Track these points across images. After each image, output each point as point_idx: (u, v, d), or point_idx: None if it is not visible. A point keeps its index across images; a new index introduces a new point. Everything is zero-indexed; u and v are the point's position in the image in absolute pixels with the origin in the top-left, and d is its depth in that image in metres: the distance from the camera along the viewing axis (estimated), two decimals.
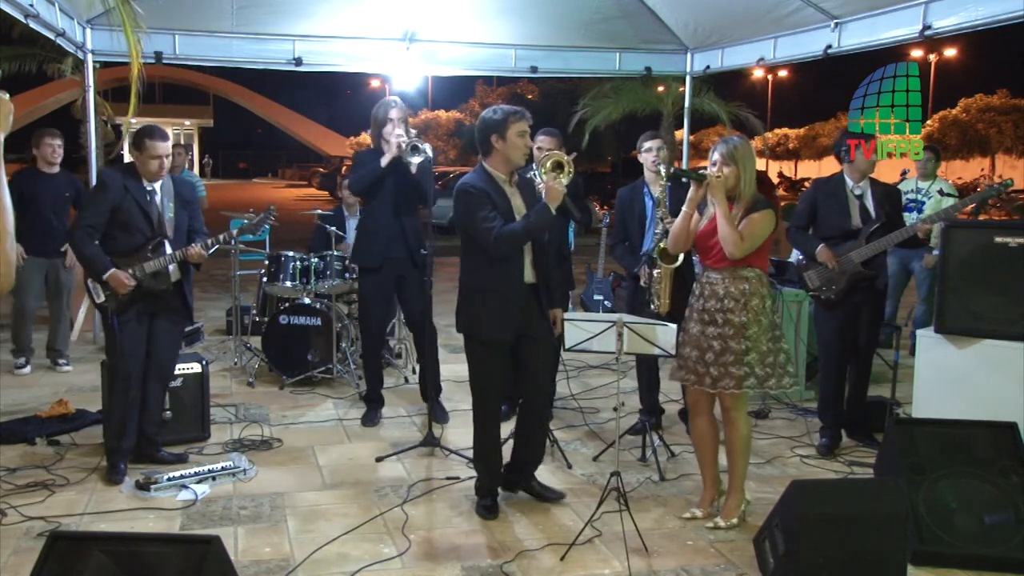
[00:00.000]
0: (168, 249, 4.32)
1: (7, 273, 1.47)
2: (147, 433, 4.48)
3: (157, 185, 4.34)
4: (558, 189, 3.77)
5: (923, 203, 6.79)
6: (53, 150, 6.18)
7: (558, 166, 4.75)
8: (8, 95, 1.74)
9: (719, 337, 3.71)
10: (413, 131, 5.17)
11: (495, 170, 3.88)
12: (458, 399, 5.80)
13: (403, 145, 4.95)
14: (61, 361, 6.43)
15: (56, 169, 6.24)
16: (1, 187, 1.50)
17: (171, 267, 4.35)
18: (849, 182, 4.78)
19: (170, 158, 4.35)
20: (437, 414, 5.07)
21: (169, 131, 4.46)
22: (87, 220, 4.23)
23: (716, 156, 3.76)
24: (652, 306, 4.56)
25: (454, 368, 6.61)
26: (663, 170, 4.18)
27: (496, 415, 4.07)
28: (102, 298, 4.28)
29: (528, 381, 4.00)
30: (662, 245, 4.59)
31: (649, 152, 4.93)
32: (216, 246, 4.40)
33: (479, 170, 3.90)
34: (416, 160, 4.93)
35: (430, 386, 5.12)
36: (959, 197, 6.99)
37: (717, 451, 3.98)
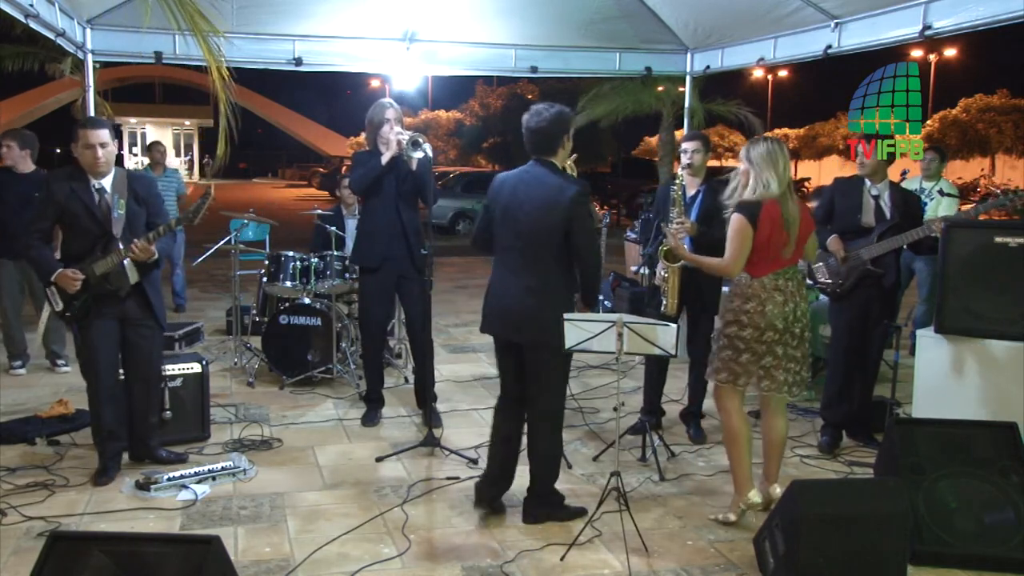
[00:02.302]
0: (120, 247, 4.15)
1: None
2: (138, 434, 4.46)
3: (106, 182, 4.16)
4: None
5: (925, 204, 6.79)
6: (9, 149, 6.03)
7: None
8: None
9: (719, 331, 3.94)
10: (409, 132, 5.16)
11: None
12: (457, 399, 5.80)
13: (404, 142, 4.95)
14: (60, 362, 6.42)
15: (29, 169, 6.11)
16: None
17: (127, 266, 4.18)
18: (867, 182, 4.83)
19: (106, 147, 4.12)
20: (432, 420, 5.06)
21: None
22: (33, 225, 4.14)
23: (742, 153, 3.92)
24: (662, 307, 4.57)
25: (454, 368, 6.62)
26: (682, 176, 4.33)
27: None
28: (60, 306, 4.15)
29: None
30: (665, 247, 4.61)
31: (684, 153, 4.93)
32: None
33: (564, 172, 3.78)
34: (417, 155, 4.93)
35: (427, 392, 5.08)
36: (958, 197, 6.99)
37: (756, 448, 4.01)
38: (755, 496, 3.86)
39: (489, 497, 3.96)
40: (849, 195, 4.90)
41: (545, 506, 3.89)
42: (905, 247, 4.77)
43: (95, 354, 4.24)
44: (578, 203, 3.66)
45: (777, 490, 3.86)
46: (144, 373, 4.43)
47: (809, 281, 5.35)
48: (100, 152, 4.09)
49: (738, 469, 3.88)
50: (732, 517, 3.87)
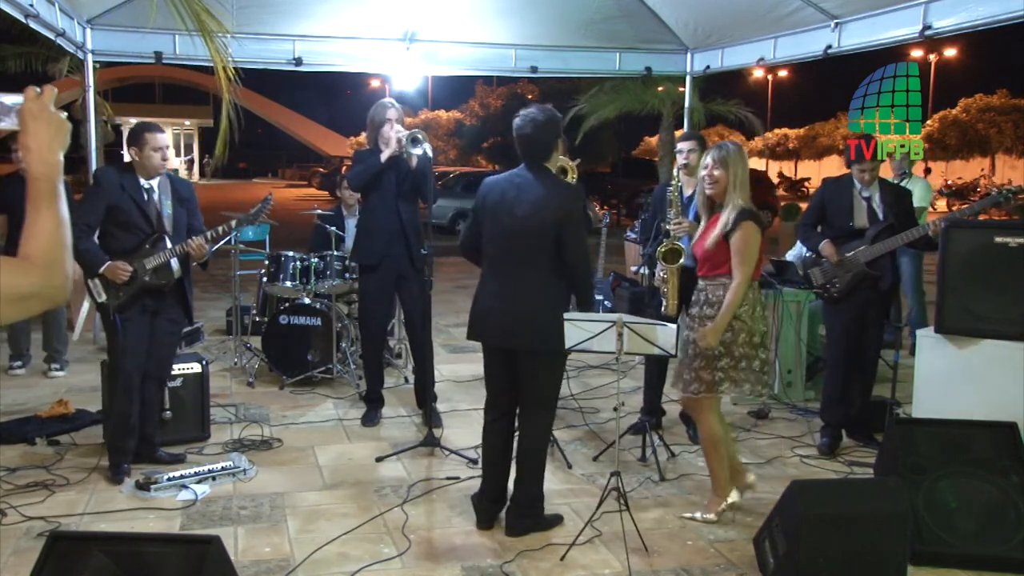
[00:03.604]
0: (168, 245, 4.31)
1: (66, 286, 1.51)
2: (145, 433, 4.47)
3: (155, 183, 4.32)
4: None
5: None
6: None
7: (562, 172, 4.75)
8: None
9: (694, 342, 3.82)
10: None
11: None
12: (457, 399, 5.80)
13: (403, 139, 4.95)
14: (55, 366, 6.33)
15: None
16: (60, 202, 1.53)
17: (173, 263, 4.34)
18: (857, 184, 4.80)
19: (170, 150, 4.33)
20: (432, 420, 5.06)
21: (169, 131, 4.47)
22: (82, 218, 4.16)
23: (708, 160, 3.83)
24: (662, 307, 4.57)
25: (454, 368, 6.62)
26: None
27: None
28: (103, 297, 4.25)
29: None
30: (663, 248, 4.61)
31: (680, 153, 4.93)
32: (219, 241, 4.41)
33: (557, 176, 3.79)
34: (416, 152, 4.93)
35: (427, 392, 5.07)
36: (948, 196, 7.01)
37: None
38: (735, 496, 3.93)
39: (493, 516, 3.85)
40: (839, 197, 4.86)
41: (530, 517, 3.79)
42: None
43: (128, 349, 4.28)
44: (570, 203, 3.66)
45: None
46: (161, 371, 4.51)
47: (798, 287, 5.36)
48: (167, 155, 4.30)
49: (721, 472, 3.92)
50: (713, 517, 3.90)
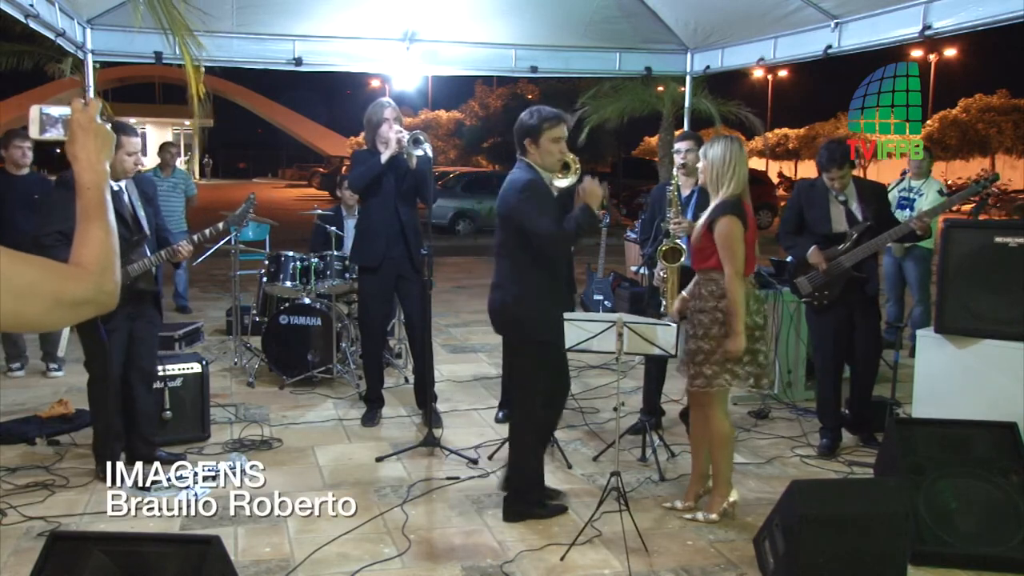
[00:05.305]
0: (148, 251, 4.24)
1: (116, 292, 1.54)
2: (144, 434, 4.47)
3: (123, 184, 4.23)
4: (596, 191, 3.76)
5: (915, 200, 6.80)
6: (23, 152, 5.97)
7: (564, 166, 4.75)
8: (111, 126, 1.73)
9: (693, 336, 3.86)
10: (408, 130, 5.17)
11: (541, 169, 3.87)
12: (457, 399, 5.80)
13: (404, 140, 4.95)
14: (52, 366, 6.34)
15: (25, 171, 6.06)
16: (108, 211, 1.55)
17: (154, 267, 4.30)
18: (831, 189, 4.74)
19: (140, 154, 4.26)
20: (432, 420, 5.05)
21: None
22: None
23: (700, 151, 3.92)
24: (661, 307, 4.57)
25: (453, 368, 6.62)
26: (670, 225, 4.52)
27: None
28: None
29: (563, 382, 4.08)
30: (664, 247, 4.61)
31: (677, 154, 4.93)
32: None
33: (529, 168, 3.84)
34: (418, 153, 4.94)
35: (427, 392, 5.07)
36: (948, 197, 7.02)
37: (705, 447, 4.04)
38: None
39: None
40: (816, 205, 4.80)
41: (520, 504, 3.90)
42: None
43: (112, 357, 4.25)
44: (518, 194, 3.77)
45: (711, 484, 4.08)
46: (147, 369, 4.49)
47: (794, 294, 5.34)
48: (140, 159, 4.25)
49: (727, 471, 3.95)
50: (715, 516, 3.92)
